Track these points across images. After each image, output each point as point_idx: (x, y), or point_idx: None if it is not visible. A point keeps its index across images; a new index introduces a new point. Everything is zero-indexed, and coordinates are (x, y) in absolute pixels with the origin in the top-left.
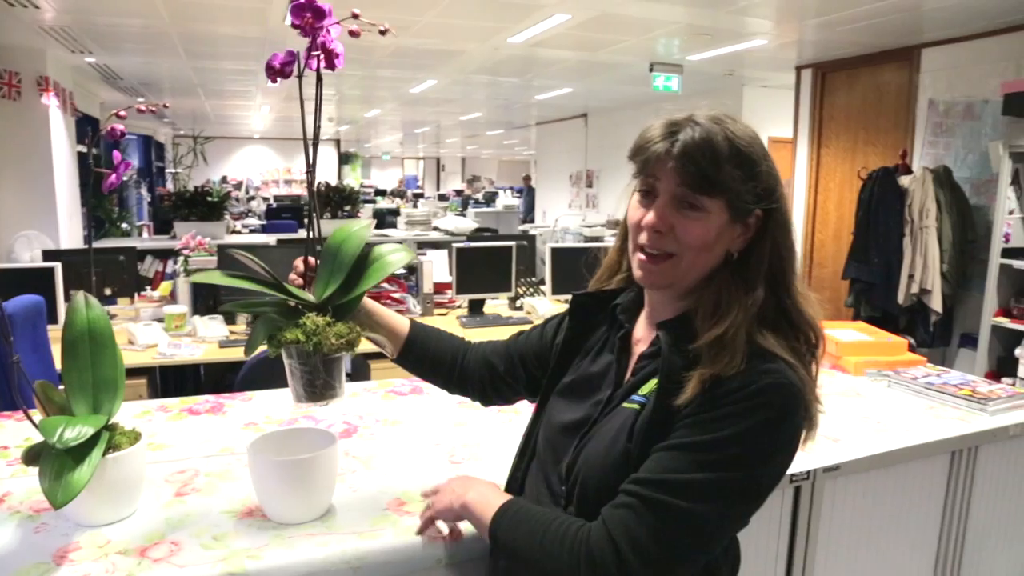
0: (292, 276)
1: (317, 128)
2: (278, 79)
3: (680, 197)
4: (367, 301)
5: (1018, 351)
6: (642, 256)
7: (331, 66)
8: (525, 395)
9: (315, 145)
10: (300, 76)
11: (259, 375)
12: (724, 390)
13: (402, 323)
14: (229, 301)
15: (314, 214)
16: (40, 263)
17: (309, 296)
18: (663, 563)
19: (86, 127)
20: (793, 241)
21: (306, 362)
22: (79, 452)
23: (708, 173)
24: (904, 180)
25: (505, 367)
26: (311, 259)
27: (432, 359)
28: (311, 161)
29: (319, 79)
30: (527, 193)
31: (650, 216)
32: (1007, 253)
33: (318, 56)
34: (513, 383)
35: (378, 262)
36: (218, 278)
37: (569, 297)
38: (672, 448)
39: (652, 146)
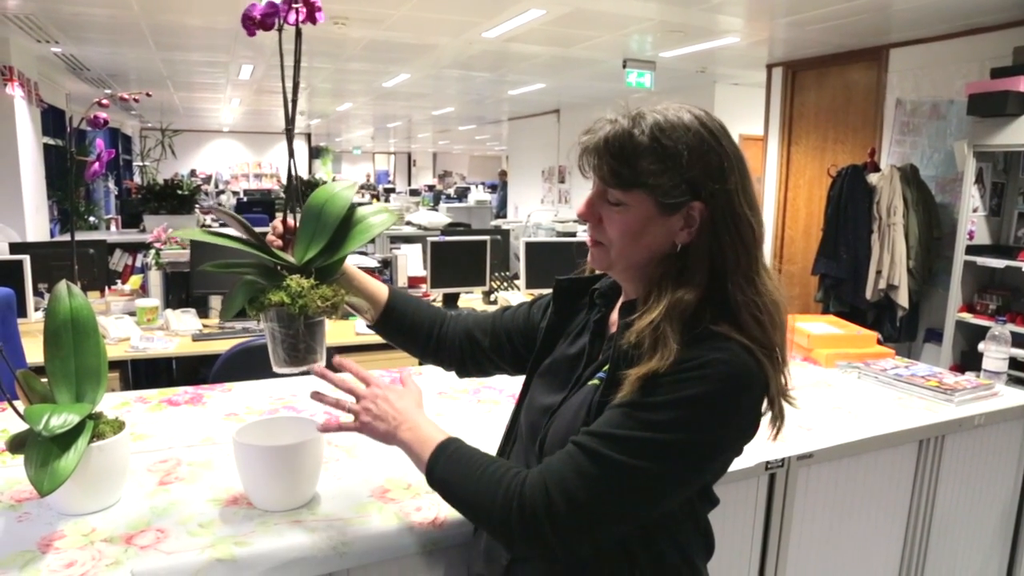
0: (270, 236)
1: (296, 84)
2: (257, 31)
3: (601, 190)
4: (347, 265)
5: (981, 346)
6: (588, 241)
7: (312, 19)
8: (509, 370)
9: (294, 102)
10: (280, 28)
11: (233, 368)
12: (676, 360)
13: (381, 289)
14: (203, 293)
15: (292, 160)
16: (8, 256)
17: (290, 258)
18: (588, 511)
19: (52, 119)
20: (748, 234)
21: (289, 326)
22: (65, 440)
23: (617, 169)
24: (872, 178)
25: (490, 342)
26: (290, 220)
27: (410, 327)
28: (291, 117)
29: (299, 33)
30: (500, 188)
31: (580, 207)
32: (971, 250)
33: (297, 9)
34: (496, 359)
35: (361, 224)
36: (200, 234)
37: (543, 292)
38: (618, 405)
39: (579, 141)
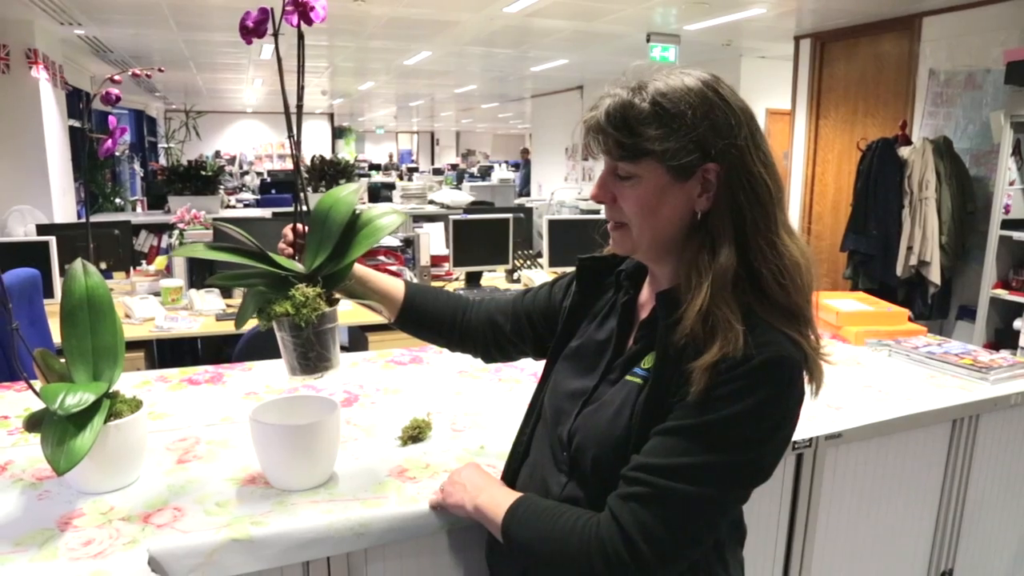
0: (281, 245)
1: (301, 89)
2: (253, 39)
3: (611, 167)
4: (358, 267)
5: (1017, 323)
6: (608, 226)
7: (307, 20)
8: (530, 354)
9: (299, 108)
10: (276, 34)
11: (256, 347)
12: (723, 367)
13: (396, 286)
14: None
15: (300, 173)
16: (35, 237)
17: (298, 266)
18: (676, 549)
19: (77, 101)
20: (764, 192)
21: (298, 335)
22: (80, 419)
23: (622, 140)
24: (904, 151)
25: (512, 327)
26: (300, 226)
27: (431, 320)
28: (296, 126)
29: (300, 37)
30: (523, 167)
31: (592, 189)
32: (1007, 224)
33: (293, 11)
34: (519, 342)
35: (368, 226)
36: (201, 252)
37: (566, 270)
38: (675, 432)
39: (582, 120)
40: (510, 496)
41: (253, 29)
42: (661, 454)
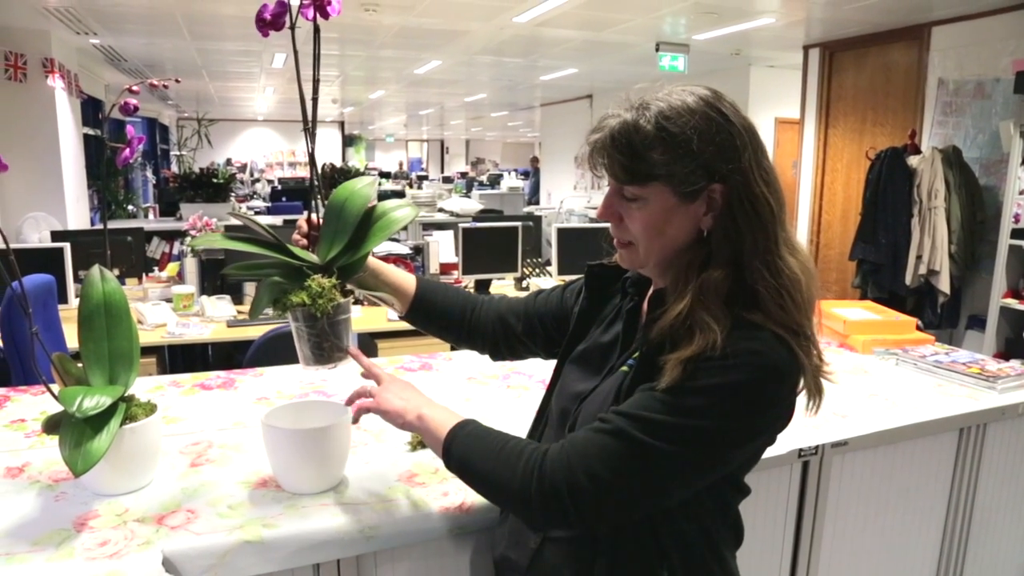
0: (296, 236)
1: (316, 82)
2: (270, 32)
3: (617, 188)
4: (372, 260)
5: None
6: (615, 242)
7: (324, 14)
8: (541, 354)
9: (315, 101)
10: (292, 27)
11: (267, 354)
12: (703, 357)
13: (408, 280)
14: (237, 279)
15: (315, 164)
16: (49, 243)
17: (313, 257)
18: (610, 489)
19: (91, 109)
20: (766, 211)
21: (313, 325)
22: (97, 422)
23: (628, 164)
24: (913, 160)
25: (524, 327)
26: (314, 217)
27: (441, 315)
28: (310, 119)
29: (316, 30)
30: (533, 175)
31: (599, 208)
32: (1017, 234)
33: (310, 4)
34: (529, 343)
35: (383, 219)
36: (220, 241)
37: (575, 278)
38: (649, 389)
39: (586, 142)
40: (456, 415)
41: (271, 22)
42: (631, 404)
